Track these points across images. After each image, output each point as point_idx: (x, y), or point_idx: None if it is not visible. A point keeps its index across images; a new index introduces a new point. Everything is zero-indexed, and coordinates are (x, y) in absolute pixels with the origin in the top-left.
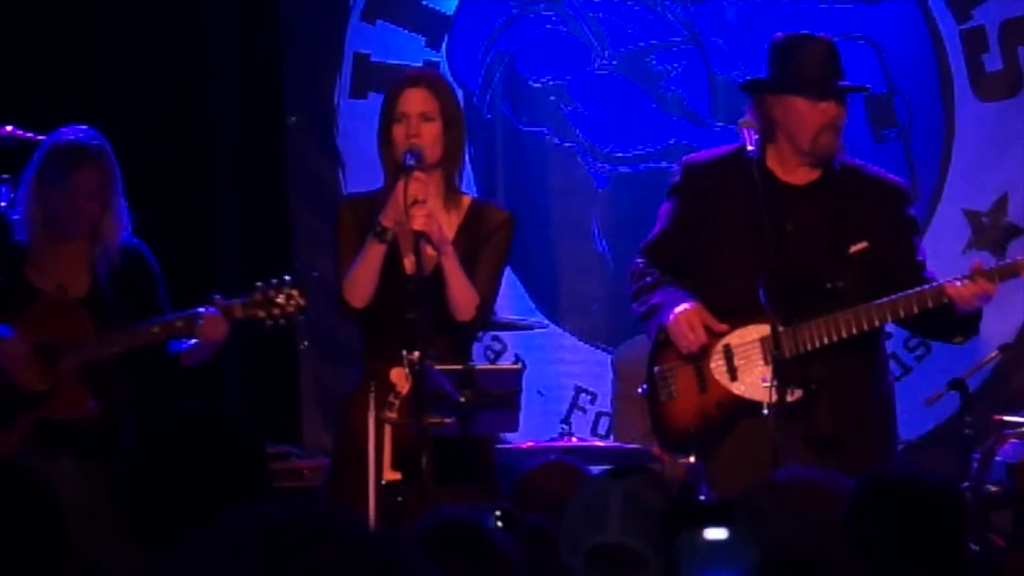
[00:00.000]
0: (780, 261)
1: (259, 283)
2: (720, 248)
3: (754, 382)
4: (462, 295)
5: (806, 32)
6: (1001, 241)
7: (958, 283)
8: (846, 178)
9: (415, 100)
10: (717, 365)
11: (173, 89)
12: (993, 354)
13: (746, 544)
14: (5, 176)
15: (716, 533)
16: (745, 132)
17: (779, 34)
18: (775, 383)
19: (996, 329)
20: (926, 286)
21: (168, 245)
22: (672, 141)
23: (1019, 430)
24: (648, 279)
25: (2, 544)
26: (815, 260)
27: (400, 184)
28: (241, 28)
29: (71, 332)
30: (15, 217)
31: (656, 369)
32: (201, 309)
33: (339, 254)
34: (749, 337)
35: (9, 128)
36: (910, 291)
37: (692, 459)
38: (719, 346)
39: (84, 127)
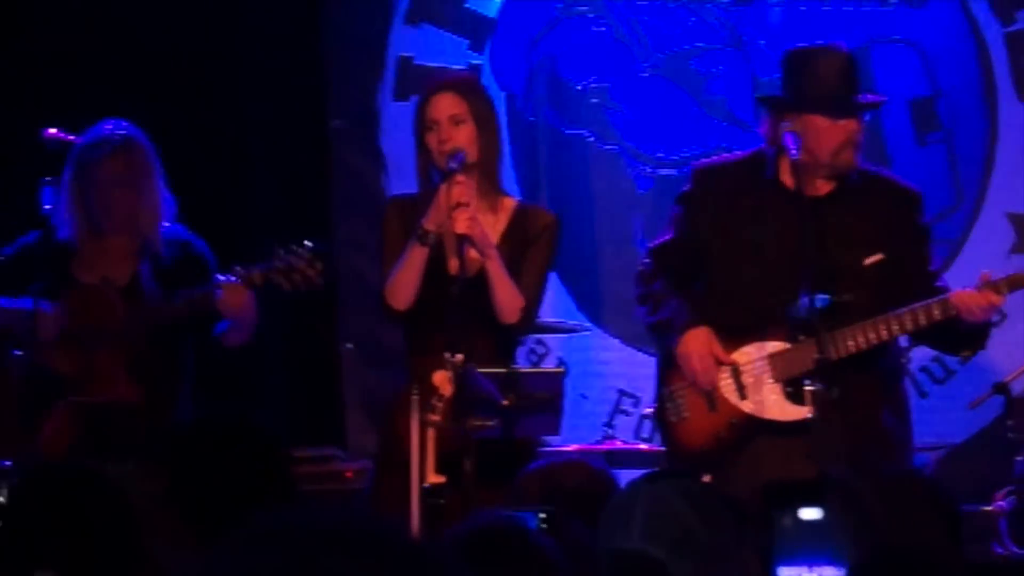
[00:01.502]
0: (799, 273)
1: (280, 249)
2: (728, 261)
3: (763, 400)
4: (507, 298)
5: (822, 44)
6: None
7: (964, 293)
8: (861, 187)
9: (443, 105)
10: (726, 384)
11: (217, 93)
12: None
13: (840, 524)
14: (49, 179)
15: (811, 513)
16: (788, 136)
17: (793, 47)
18: (817, 386)
19: None
20: (933, 299)
21: (210, 247)
22: (715, 144)
23: None
24: (656, 286)
25: (78, 545)
26: (830, 274)
27: (443, 187)
28: (284, 31)
29: (103, 317)
30: (60, 218)
31: (665, 390)
32: (221, 278)
33: (383, 253)
34: (757, 355)
35: (53, 131)
36: (917, 304)
37: (707, 479)
38: (727, 363)
39: (115, 120)
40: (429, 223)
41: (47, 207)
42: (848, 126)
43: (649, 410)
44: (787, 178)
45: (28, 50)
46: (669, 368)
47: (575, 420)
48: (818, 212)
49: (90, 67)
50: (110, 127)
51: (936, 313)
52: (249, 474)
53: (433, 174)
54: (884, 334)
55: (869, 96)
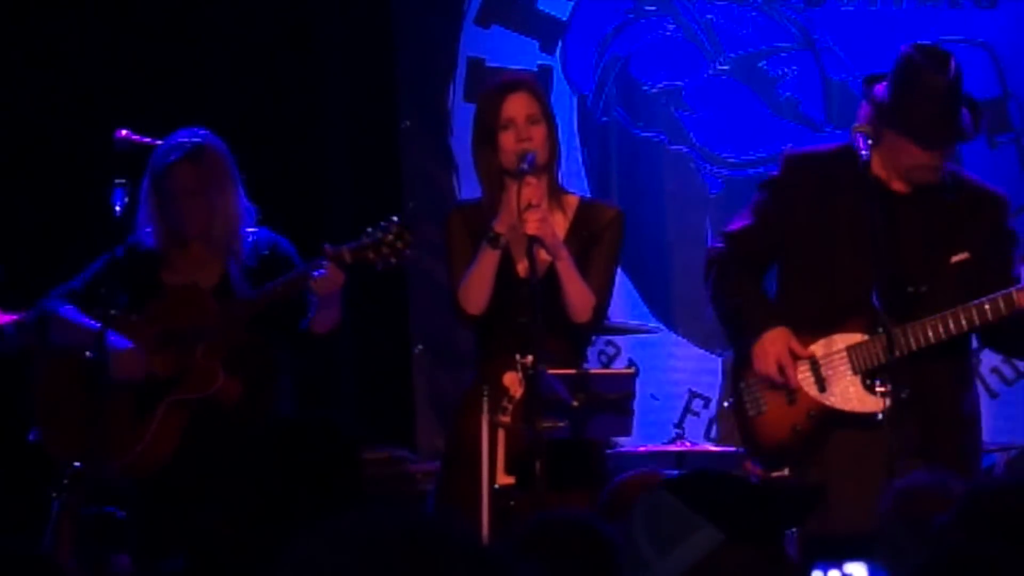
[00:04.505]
0: (882, 268)
1: (368, 228)
2: (811, 250)
3: (843, 392)
4: (578, 297)
5: (938, 54)
6: None
7: None
8: (950, 188)
9: (519, 104)
10: (804, 377)
11: (288, 95)
12: None
13: None
14: (121, 180)
15: (855, 569)
16: (859, 137)
17: (909, 48)
18: (888, 387)
19: None
20: (998, 293)
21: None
22: (785, 145)
23: None
24: (730, 276)
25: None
26: (911, 268)
27: (513, 189)
28: (355, 33)
29: (197, 316)
30: (147, 229)
31: (742, 384)
32: (318, 263)
33: (451, 262)
34: (835, 347)
35: (124, 132)
36: (984, 298)
37: (787, 472)
38: (805, 357)
39: (192, 128)
40: (500, 225)
41: (118, 208)
42: (933, 154)
43: (727, 403)
44: (879, 170)
45: (108, 51)
46: (745, 362)
47: (645, 421)
48: (904, 208)
49: (159, 70)
50: (184, 134)
51: (1002, 307)
52: (324, 473)
53: (501, 173)
54: (953, 328)
55: (961, 126)
